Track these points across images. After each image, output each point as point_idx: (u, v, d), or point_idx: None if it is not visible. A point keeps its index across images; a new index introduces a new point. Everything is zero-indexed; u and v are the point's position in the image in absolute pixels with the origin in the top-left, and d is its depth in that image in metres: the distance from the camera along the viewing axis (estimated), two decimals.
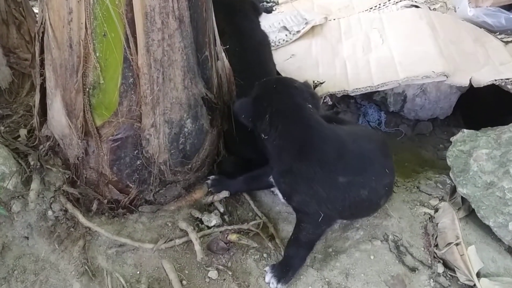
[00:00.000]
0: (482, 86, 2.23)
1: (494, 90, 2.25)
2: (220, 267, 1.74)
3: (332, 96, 2.36)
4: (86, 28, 1.45)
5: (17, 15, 2.26)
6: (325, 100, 2.34)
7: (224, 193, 1.95)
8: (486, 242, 1.82)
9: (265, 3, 3.20)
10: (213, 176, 1.99)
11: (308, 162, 1.60)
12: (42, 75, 1.73)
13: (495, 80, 2.20)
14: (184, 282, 1.69)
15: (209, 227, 1.86)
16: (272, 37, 2.70)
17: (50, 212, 1.78)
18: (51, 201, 1.79)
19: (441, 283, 1.69)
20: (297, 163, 1.62)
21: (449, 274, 1.72)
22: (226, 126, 1.99)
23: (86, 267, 1.68)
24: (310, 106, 1.68)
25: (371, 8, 2.95)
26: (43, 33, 1.62)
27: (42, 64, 1.71)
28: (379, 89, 2.31)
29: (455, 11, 2.94)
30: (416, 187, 2.05)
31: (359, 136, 1.78)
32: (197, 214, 1.89)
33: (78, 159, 1.77)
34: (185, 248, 1.79)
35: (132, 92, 1.59)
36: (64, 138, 1.74)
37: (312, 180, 1.59)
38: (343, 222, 1.91)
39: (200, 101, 1.76)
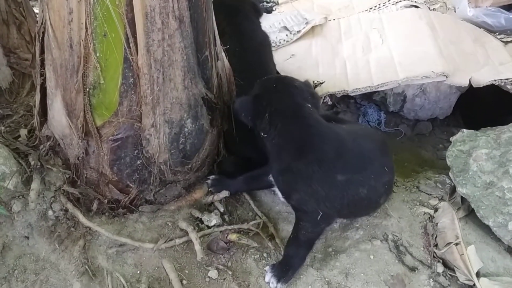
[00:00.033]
0: (481, 86, 2.23)
1: (493, 90, 2.25)
2: (220, 266, 1.74)
3: (332, 96, 2.36)
4: (86, 28, 1.45)
5: (18, 15, 2.26)
6: (325, 100, 2.35)
7: (224, 193, 1.95)
8: (485, 242, 1.82)
9: (265, 3, 3.21)
10: (213, 176, 1.99)
11: (306, 160, 1.60)
12: (43, 75, 1.73)
13: (495, 80, 2.21)
14: (184, 282, 1.69)
15: (209, 227, 1.86)
16: (273, 37, 2.70)
17: (50, 212, 1.79)
18: (51, 201, 1.80)
19: (441, 283, 1.69)
20: (296, 162, 1.62)
21: (449, 274, 1.72)
22: (226, 126, 2.00)
23: (87, 266, 1.68)
24: (309, 105, 1.68)
25: (371, 8, 2.96)
26: (43, 33, 1.62)
27: (42, 64, 1.71)
28: (378, 89, 2.31)
29: (455, 11, 2.95)
30: (415, 187, 2.05)
31: (359, 135, 1.79)
32: (197, 214, 1.89)
33: (78, 159, 1.77)
34: (185, 248, 1.79)
35: (132, 92, 1.59)
36: (65, 138, 1.74)
37: (310, 178, 1.60)
38: (343, 221, 1.91)
39: (200, 101, 1.76)
